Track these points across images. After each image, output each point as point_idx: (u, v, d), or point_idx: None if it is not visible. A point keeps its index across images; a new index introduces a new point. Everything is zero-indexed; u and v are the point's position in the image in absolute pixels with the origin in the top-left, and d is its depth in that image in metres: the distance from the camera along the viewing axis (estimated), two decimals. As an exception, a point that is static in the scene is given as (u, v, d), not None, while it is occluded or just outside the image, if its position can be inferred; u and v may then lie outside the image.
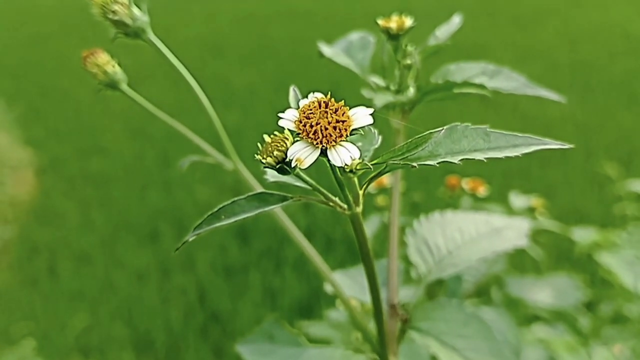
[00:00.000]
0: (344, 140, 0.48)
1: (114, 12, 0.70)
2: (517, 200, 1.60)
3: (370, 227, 1.70)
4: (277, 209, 0.80)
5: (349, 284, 0.92)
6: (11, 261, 3.46)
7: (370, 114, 0.49)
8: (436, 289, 1.25)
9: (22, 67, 7.44)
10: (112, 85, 0.77)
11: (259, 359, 0.84)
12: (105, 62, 0.76)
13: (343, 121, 0.48)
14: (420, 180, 3.52)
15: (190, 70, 0.76)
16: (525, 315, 1.91)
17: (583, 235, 1.86)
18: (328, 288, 0.91)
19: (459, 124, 0.52)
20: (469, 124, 0.52)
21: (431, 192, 2.16)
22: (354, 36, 0.93)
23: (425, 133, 0.50)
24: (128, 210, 3.91)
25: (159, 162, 4.50)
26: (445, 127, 0.51)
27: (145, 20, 0.72)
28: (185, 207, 3.83)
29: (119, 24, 0.71)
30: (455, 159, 0.49)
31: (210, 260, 3.31)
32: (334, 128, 0.47)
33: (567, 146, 0.50)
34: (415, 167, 0.49)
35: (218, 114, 0.79)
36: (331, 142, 0.47)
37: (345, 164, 0.47)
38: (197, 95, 0.76)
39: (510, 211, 1.58)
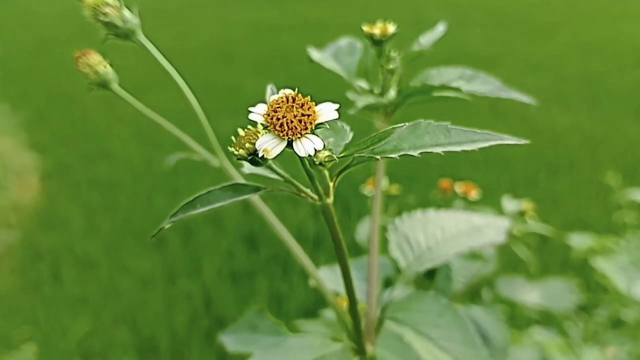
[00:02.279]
0: (309, 133, 0.51)
1: (104, 14, 0.73)
2: (509, 204, 1.62)
3: (365, 228, 1.73)
4: (270, 214, 0.84)
5: (333, 279, 0.95)
6: (14, 266, 3.47)
7: (336, 110, 0.52)
8: (426, 289, 1.28)
9: (28, 71, 7.47)
10: (103, 84, 0.80)
11: (241, 348, 0.87)
12: (96, 62, 0.79)
13: (308, 115, 0.51)
14: (415, 184, 3.54)
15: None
16: (523, 320, 1.93)
17: (579, 241, 1.89)
18: (312, 282, 0.94)
19: (422, 120, 0.56)
20: (432, 121, 0.55)
21: (426, 196, 2.18)
22: (343, 42, 0.96)
23: (388, 128, 0.53)
24: (134, 215, 3.93)
25: (167, 168, 4.51)
26: (408, 124, 0.55)
27: (136, 22, 0.75)
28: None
29: (109, 26, 0.73)
30: (416, 152, 0.52)
31: (217, 266, 3.32)
32: (300, 121, 0.50)
33: (522, 142, 0.53)
34: (378, 159, 0.53)
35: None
36: (296, 135, 0.50)
37: (309, 155, 0.50)
38: (186, 96, 0.78)
39: (501, 214, 1.60)
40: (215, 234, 3.59)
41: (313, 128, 0.51)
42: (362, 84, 0.88)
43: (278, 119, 0.51)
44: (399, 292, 0.90)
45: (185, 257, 3.43)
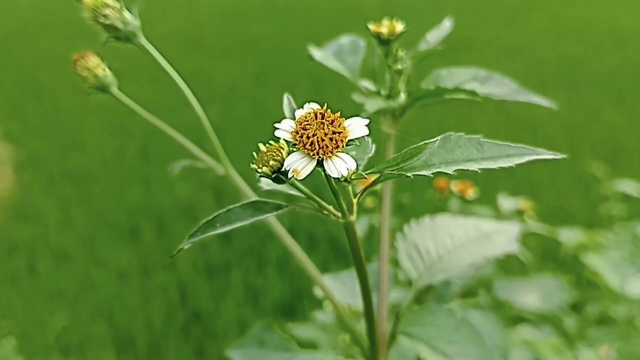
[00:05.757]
0: (340, 151, 0.48)
1: (105, 16, 0.69)
2: (506, 202, 1.61)
3: (358, 229, 1.70)
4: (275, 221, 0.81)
5: (338, 288, 0.92)
6: (-11, 259, 3.44)
7: (366, 125, 0.49)
8: (424, 293, 1.25)
9: (0, 61, 7.39)
10: (103, 88, 0.77)
11: (249, 364, 0.84)
12: (95, 65, 0.76)
13: (339, 132, 0.48)
14: (407, 181, 3.52)
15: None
16: (510, 317, 1.91)
17: (569, 236, 1.87)
18: (318, 292, 0.92)
19: (452, 133, 0.53)
20: (463, 134, 0.53)
21: (418, 193, 2.16)
22: (344, 40, 0.93)
23: (420, 144, 0.50)
24: (108, 207, 3.89)
25: (138, 159, 4.48)
26: (439, 137, 0.52)
27: (137, 25, 0.71)
28: (166, 205, 3.81)
29: (110, 28, 0.70)
30: (450, 169, 0.50)
31: (192, 259, 3.29)
32: (330, 139, 0.47)
33: (559, 156, 0.50)
34: (410, 177, 0.50)
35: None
36: (327, 153, 0.47)
37: (342, 175, 0.47)
38: (188, 98, 0.76)
39: (498, 213, 1.58)
40: (189, 226, 3.55)
41: (344, 146, 0.48)
42: (368, 84, 0.85)
43: (308, 137, 0.47)
44: (397, 296, 0.88)
45: (159, 250, 3.40)
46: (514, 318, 1.90)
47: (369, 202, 1.69)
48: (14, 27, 9.02)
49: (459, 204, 1.57)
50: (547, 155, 0.51)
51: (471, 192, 1.56)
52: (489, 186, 2.91)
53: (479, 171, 0.50)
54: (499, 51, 6.66)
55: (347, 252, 1.67)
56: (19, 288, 3.13)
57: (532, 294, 1.59)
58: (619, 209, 2.33)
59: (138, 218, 3.71)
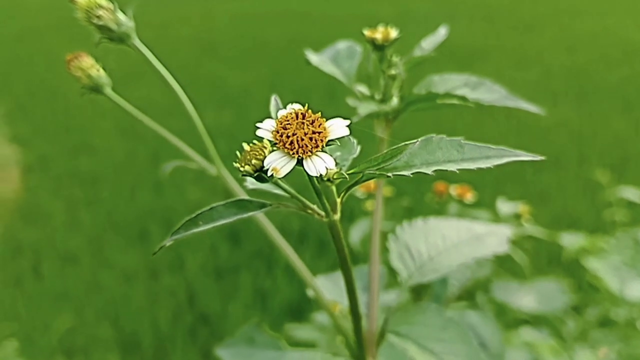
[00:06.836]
0: (319, 151, 0.49)
1: (98, 17, 0.70)
2: (504, 206, 1.61)
3: (358, 231, 1.71)
4: (261, 215, 0.82)
5: (330, 288, 0.93)
6: (-6, 260, 3.44)
7: (347, 126, 0.50)
8: (422, 293, 1.26)
9: (10, 63, 7.41)
10: (96, 89, 0.77)
11: (238, 363, 0.85)
12: (89, 65, 0.77)
13: (319, 132, 0.49)
14: (411, 185, 3.52)
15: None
16: (513, 319, 1.92)
17: (571, 241, 1.88)
18: (310, 292, 0.93)
19: (434, 135, 0.54)
20: (444, 136, 0.53)
21: (422, 196, 2.16)
22: (341, 45, 0.94)
23: (400, 144, 0.51)
24: (117, 210, 3.90)
25: (149, 162, 4.49)
26: (420, 139, 0.53)
27: (131, 26, 0.72)
28: (176, 208, 3.82)
29: (103, 29, 0.71)
30: (429, 170, 0.51)
31: (201, 261, 3.30)
32: (310, 139, 0.48)
33: (538, 158, 0.51)
34: (390, 177, 0.51)
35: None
36: (307, 153, 0.48)
37: (320, 174, 0.48)
38: (180, 98, 0.76)
39: (497, 217, 1.59)
40: (198, 230, 3.55)
41: (324, 146, 0.49)
42: (363, 89, 0.86)
43: (288, 137, 0.48)
44: (393, 297, 0.89)
45: (168, 252, 3.40)
46: (517, 320, 1.91)
47: (369, 205, 1.70)
48: (25, 28, 9.07)
49: (458, 208, 1.58)
50: (526, 157, 0.52)
51: (470, 196, 1.57)
52: (498, 191, 2.91)
53: (458, 172, 0.51)
54: (510, 61, 6.70)
55: (356, 256, 1.67)
56: (23, 290, 3.14)
57: (529, 297, 1.60)
58: (623, 215, 2.33)
59: (147, 221, 3.72)
